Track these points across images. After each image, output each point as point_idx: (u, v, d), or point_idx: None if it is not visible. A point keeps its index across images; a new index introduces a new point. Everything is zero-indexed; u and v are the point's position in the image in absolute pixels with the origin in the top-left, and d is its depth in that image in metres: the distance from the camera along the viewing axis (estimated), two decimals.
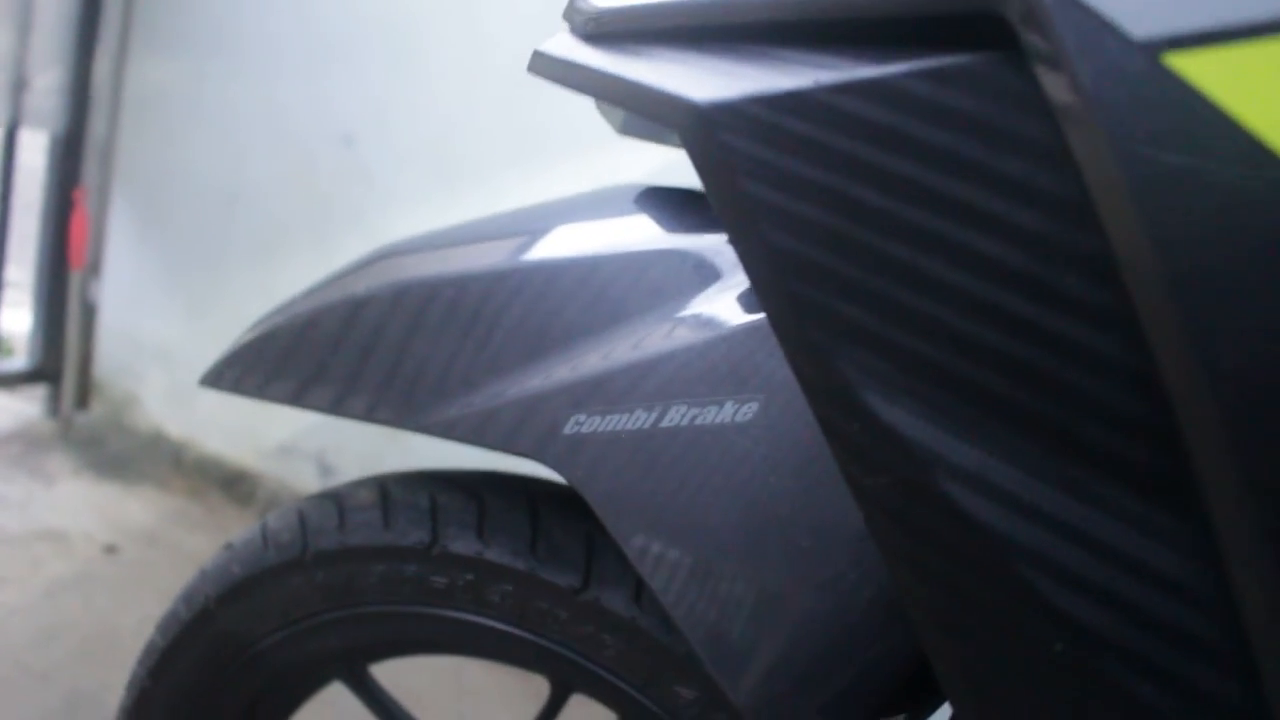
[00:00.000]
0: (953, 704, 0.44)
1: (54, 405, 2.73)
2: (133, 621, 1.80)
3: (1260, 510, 0.34)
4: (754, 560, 0.55)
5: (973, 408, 0.39)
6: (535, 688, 0.80)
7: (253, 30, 2.39)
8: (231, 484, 2.49)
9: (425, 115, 2.16)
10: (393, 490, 0.74)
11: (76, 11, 2.52)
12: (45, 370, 2.71)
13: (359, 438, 2.29)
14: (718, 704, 0.66)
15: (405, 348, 0.63)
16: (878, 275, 0.39)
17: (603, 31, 0.52)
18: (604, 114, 0.70)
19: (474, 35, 2.06)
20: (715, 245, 0.61)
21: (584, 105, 0.72)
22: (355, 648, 0.80)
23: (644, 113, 0.46)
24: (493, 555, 0.68)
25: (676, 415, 0.56)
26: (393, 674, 0.91)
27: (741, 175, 0.40)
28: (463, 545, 0.69)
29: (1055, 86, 0.35)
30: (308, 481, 2.39)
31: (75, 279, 2.65)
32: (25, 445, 2.55)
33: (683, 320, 0.58)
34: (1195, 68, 0.33)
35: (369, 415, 0.64)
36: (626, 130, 0.70)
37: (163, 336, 2.64)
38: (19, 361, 2.75)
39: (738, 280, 0.59)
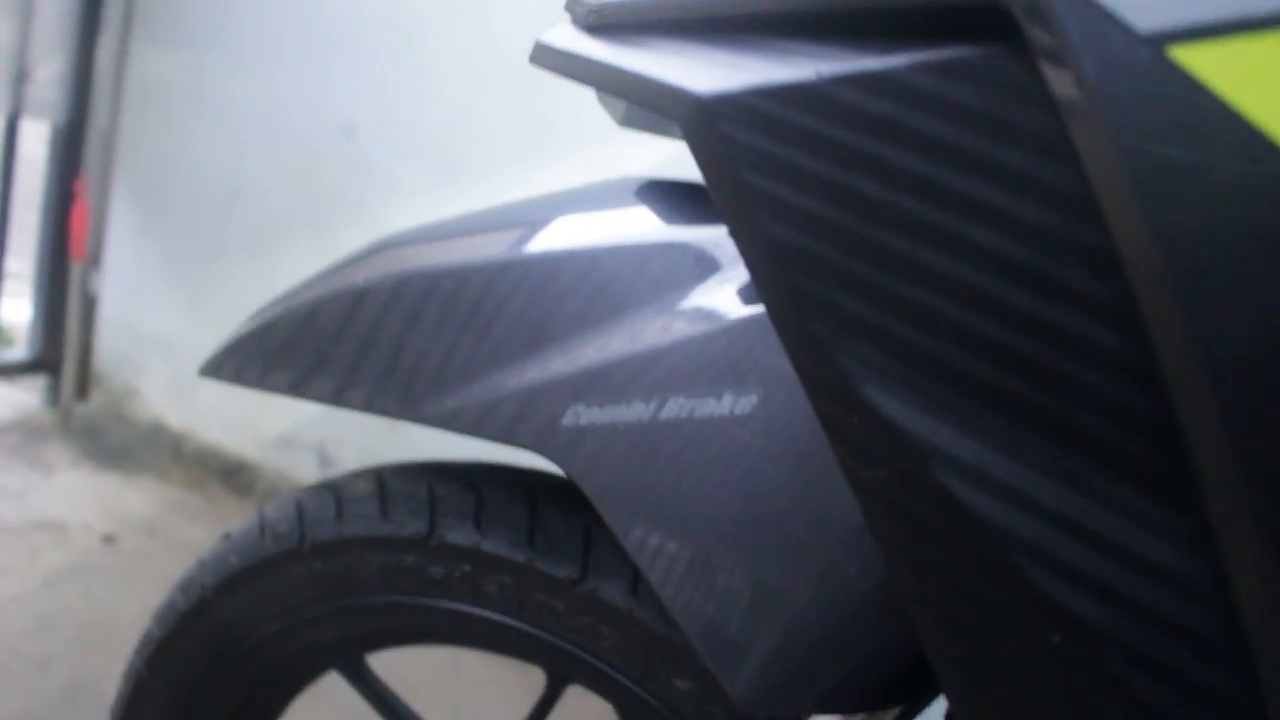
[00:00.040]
0: (948, 696, 0.44)
1: (54, 395, 2.73)
2: (131, 611, 1.80)
3: (1258, 505, 0.34)
4: (751, 553, 0.55)
5: (972, 401, 0.38)
6: (532, 679, 0.80)
7: (254, 22, 2.39)
8: (231, 475, 2.49)
9: (427, 108, 2.16)
10: (390, 481, 0.74)
11: (78, 2, 2.52)
12: (45, 360, 2.71)
13: (359, 429, 2.29)
14: (714, 696, 0.66)
15: (405, 339, 0.63)
16: (878, 268, 0.39)
17: (604, 23, 0.52)
18: (605, 106, 0.70)
19: (477, 27, 2.06)
20: (715, 238, 0.61)
21: (587, 98, 0.71)
22: (352, 638, 0.80)
23: (645, 104, 0.46)
24: (490, 546, 0.68)
25: (675, 407, 0.56)
26: (390, 664, 0.91)
27: (742, 167, 0.40)
28: (460, 536, 0.69)
29: (1058, 80, 0.35)
30: (307, 473, 2.39)
31: (76, 270, 2.65)
32: (25, 435, 2.55)
33: (682, 313, 0.57)
34: (1200, 61, 0.33)
35: (369, 406, 0.64)
36: (628, 122, 0.70)
37: (163, 328, 2.64)
38: (19, 352, 2.75)
39: (738, 273, 0.59)
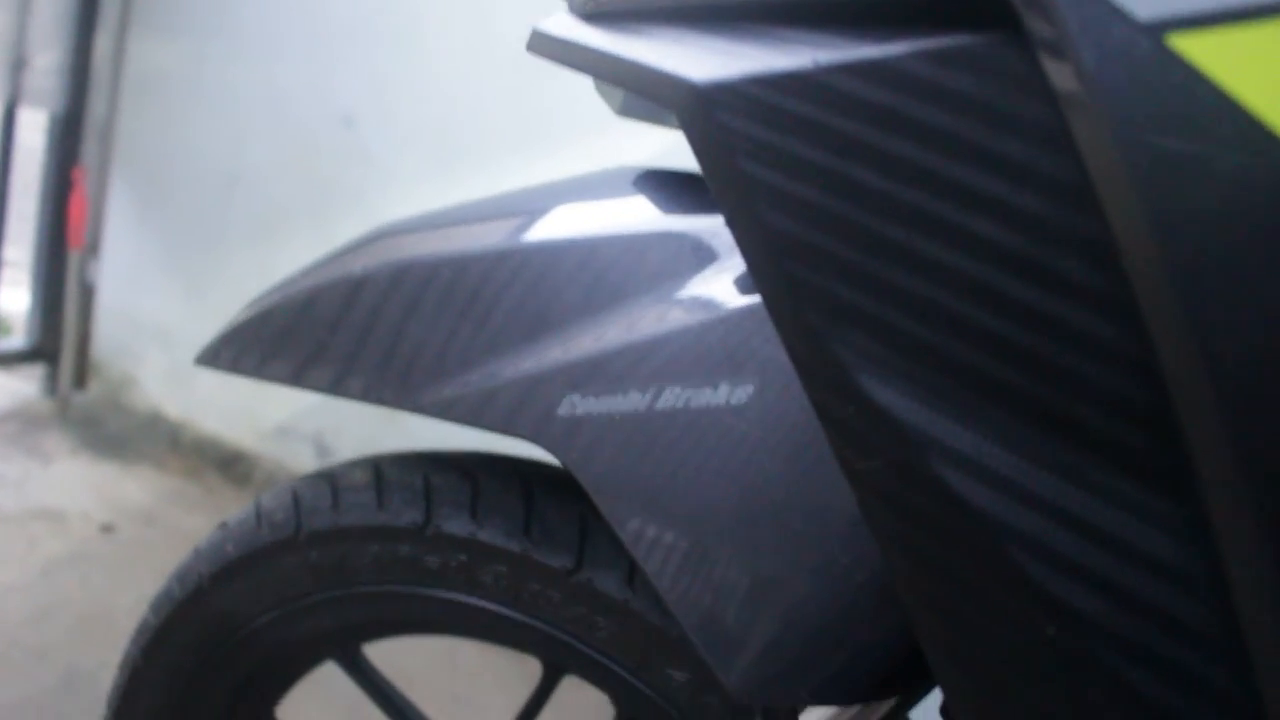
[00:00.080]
0: (943, 687, 0.44)
1: (52, 384, 2.73)
2: (129, 601, 1.81)
3: (1256, 497, 0.34)
4: (748, 544, 0.55)
5: (968, 391, 0.38)
6: (529, 669, 0.80)
7: (253, 11, 2.38)
8: (229, 464, 2.49)
9: (426, 97, 2.15)
10: (387, 471, 0.74)
11: None
12: (43, 349, 2.71)
13: (356, 419, 2.29)
14: (709, 687, 0.66)
15: (403, 328, 0.62)
16: (875, 257, 0.38)
17: (602, 10, 0.52)
18: (603, 95, 0.70)
19: (477, 17, 2.06)
20: (713, 227, 0.60)
21: (587, 87, 0.71)
22: (348, 628, 0.80)
23: (642, 92, 0.46)
24: (486, 536, 0.68)
25: (671, 397, 0.55)
26: (387, 655, 0.91)
27: (739, 156, 0.40)
28: (456, 526, 0.69)
29: (1057, 69, 0.35)
30: (305, 462, 2.39)
31: (74, 259, 2.65)
32: (23, 424, 2.54)
33: (679, 302, 0.57)
34: (1200, 50, 0.33)
35: (366, 395, 0.64)
36: (625, 111, 0.70)
37: (161, 317, 2.64)
38: (17, 340, 2.75)
39: (735, 262, 0.58)
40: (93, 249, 2.66)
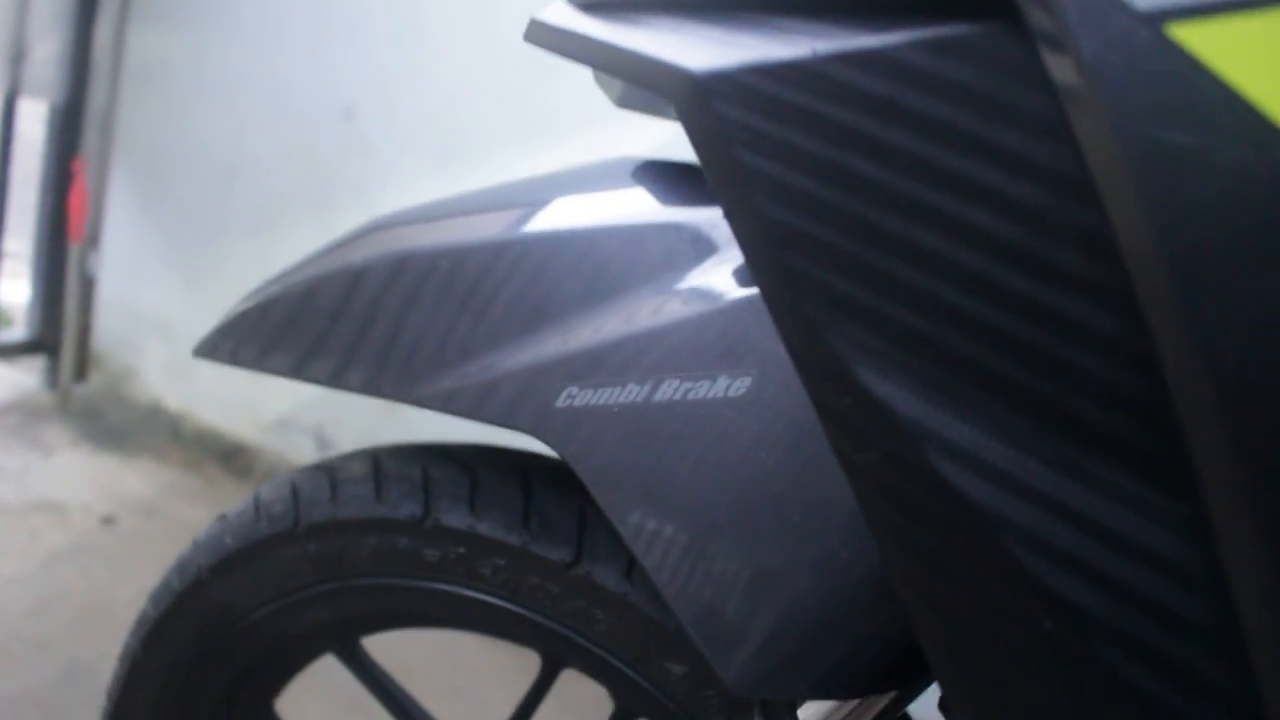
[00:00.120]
0: (941, 682, 0.44)
1: (52, 376, 2.73)
2: (130, 593, 1.81)
3: (1255, 491, 0.34)
4: (746, 537, 0.55)
5: (966, 384, 0.38)
6: (529, 662, 0.80)
7: (254, 1, 2.37)
8: (229, 457, 2.49)
9: (428, 89, 2.15)
10: (385, 463, 0.74)
11: None
12: (44, 341, 2.71)
13: (357, 412, 2.29)
14: (708, 680, 0.66)
15: (403, 320, 0.62)
16: (872, 248, 0.38)
17: (600, 0, 0.51)
18: (602, 86, 0.70)
19: (478, 8, 2.05)
20: (712, 219, 0.60)
21: (588, 79, 0.71)
22: (347, 620, 0.80)
23: (639, 82, 0.45)
24: (485, 529, 0.68)
25: (669, 389, 0.55)
26: (388, 648, 0.91)
27: (736, 146, 0.39)
28: (455, 519, 0.69)
29: (1055, 59, 0.34)
30: (305, 455, 2.39)
31: (74, 250, 2.64)
32: (24, 416, 2.55)
33: (678, 294, 0.57)
34: (1200, 40, 0.32)
35: (366, 388, 0.64)
36: (624, 103, 0.69)
37: (162, 309, 2.64)
38: (18, 332, 2.75)
39: (734, 254, 0.58)
40: (93, 241, 2.66)
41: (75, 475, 2.28)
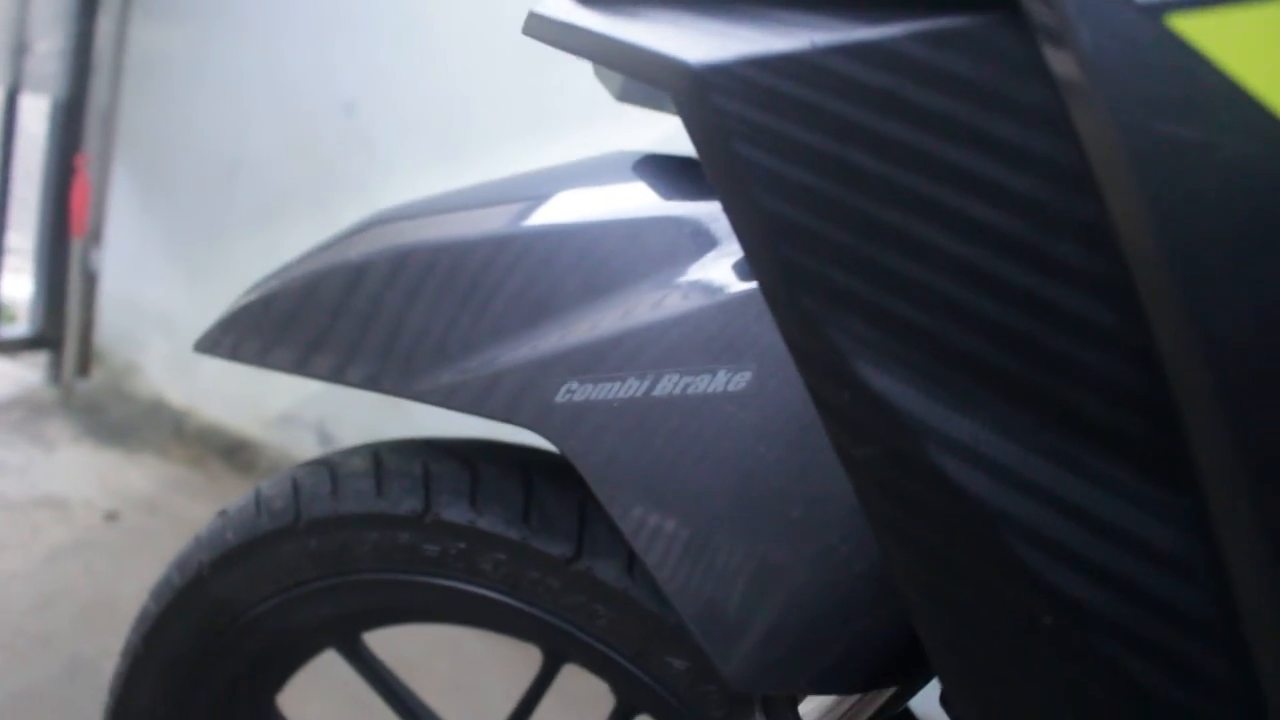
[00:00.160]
0: (940, 677, 0.44)
1: (55, 372, 2.73)
2: (133, 588, 1.81)
3: (1255, 485, 0.33)
4: (745, 532, 0.54)
5: (965, 378, 0.38)
6: (533, 657, 0.80)
7: None
8: (232, 452, 2.49)
9: (429, 84, 2.15)
10: (386, 458, 0.73)
11: None
12: (47, 337, 2.71)
13: (359, 407, 2.29)
14: (709, 675, 0.66)
15: (405, 315, 0.62)
16: (871, 241, 0.38)
17: None
18: (602, 80, 0.70)
19: (480, 2, 2.05)
20: (712, 212, 0.60)
21: (590, 75, 0.71)
22: (348, 616, 0.80)
23: (638, 75, 0.45)
24: (485, 524, 0.68)
25: (669, 384, 0.55)
26: (390, 643, 0.91)
27: (734, 139, 0.39)
28: (455, 514, 0.69)
29: (1055, 50, 0.34)
30: (308, 450, 2.39)
31: (76, 246, 2.65)
32: (26, 412, 2.55)
33: (677, 288, 0.57)
34: (1200, 31, 0.32)
35: (367, 383, 0.64)
36: (624, 97, 0.69)
37: (164, 304, 2.64)
38: (20, 328, 2.75)
39: (734, 248, 0.58)
40: (95, 236, 2.66)
41: (78, 471, 2.29)
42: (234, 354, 0.70)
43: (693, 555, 0.56)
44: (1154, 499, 0.37)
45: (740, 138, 0.39)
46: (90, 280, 2.70)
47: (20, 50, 2.45)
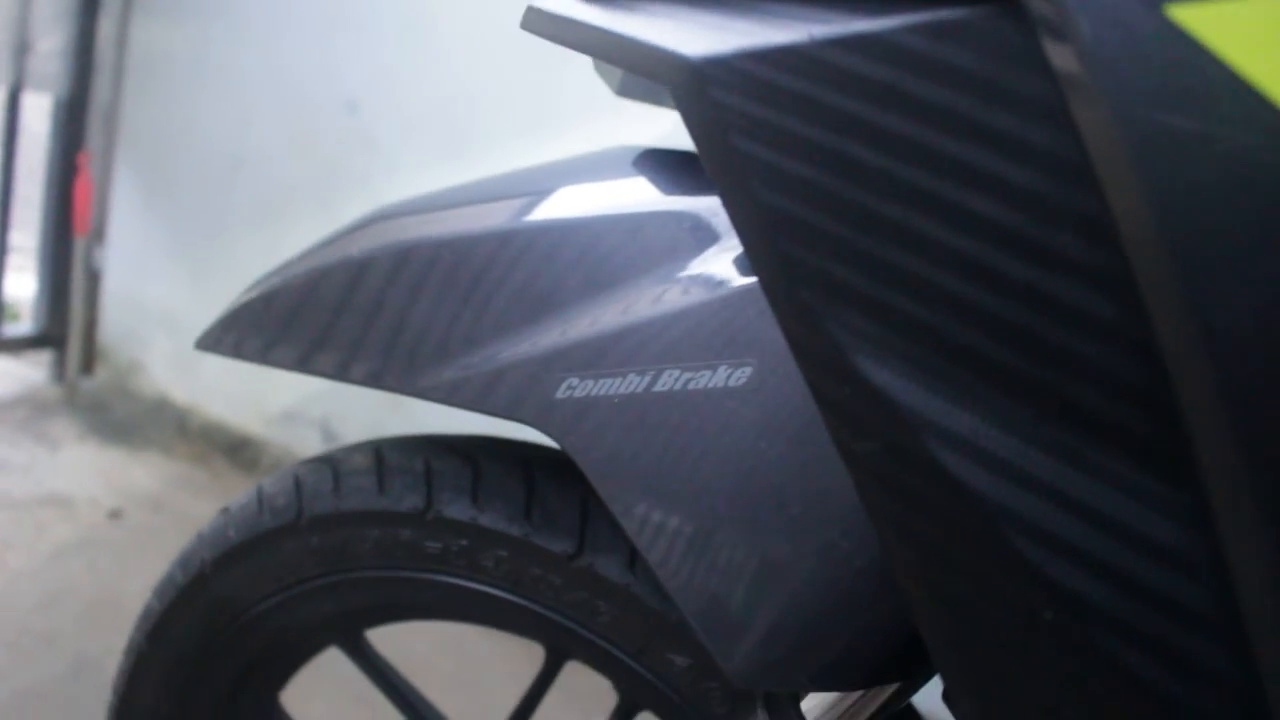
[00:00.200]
0: (941, 672, 0.44)
1: (59, 370, 2.74)
2: (137, 587, 1.81)
3: (1256, 479, 0.33)
4: (746, 529, 0.54)
5: (965, 372, 0.38)
6: (538, 656, 0.80)
7: None
8: (236, 450, 2.49)
9: (432, 81, 2.15)
10: (388, 455, 0.73)
11: None
12: (50, 335, 2.72)
13: (362, 404, 2.29)
14: (710, 672, 0.65)
15: (407, 311, 0.62)
16: (870, 235, 0.38)
17: None
18: (602, 74, 0.69)
19: None
20: (713, 207, 0.60)
21: (592, 70, 0.70)
22: (350, 613, 0.80)
23: (636, 69, 0.45)
24: (487, 521, 0.68)
25: (669, 379, 0.55)
26: (393, 640, 0.91)
27: (733, 132, 0.39)
28: (457, 510, 0.69)
29: (1054, 41, 0.34)
30: (311, 448, 2.39)
31: (80, 244, 2.65)
32: (30, 410, 2.55)
33: (678, 283, 0.57)
34: (1201, 21, 0.32)
35: (370, 380, 0.64)
36: (624, 91, 0.69)
37: (167, 302, 2.64)
38: (24, 326, 2.75)
39: (735, 242, 0.58)
40: (98, 234, 2.66)
41: (82, 469, 2.29)
42: (236, 351, 0.70)
43: (694, 552, 0.56)
44: (1155, 493, 0.36)
45: (738, 131, 0.39)
46: (93, 278, 2.71)
47: (22, 49, 2.45)
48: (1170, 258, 0.33)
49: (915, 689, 0.61)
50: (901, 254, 0.38)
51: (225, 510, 0.80)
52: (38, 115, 2.63)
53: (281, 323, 0.67)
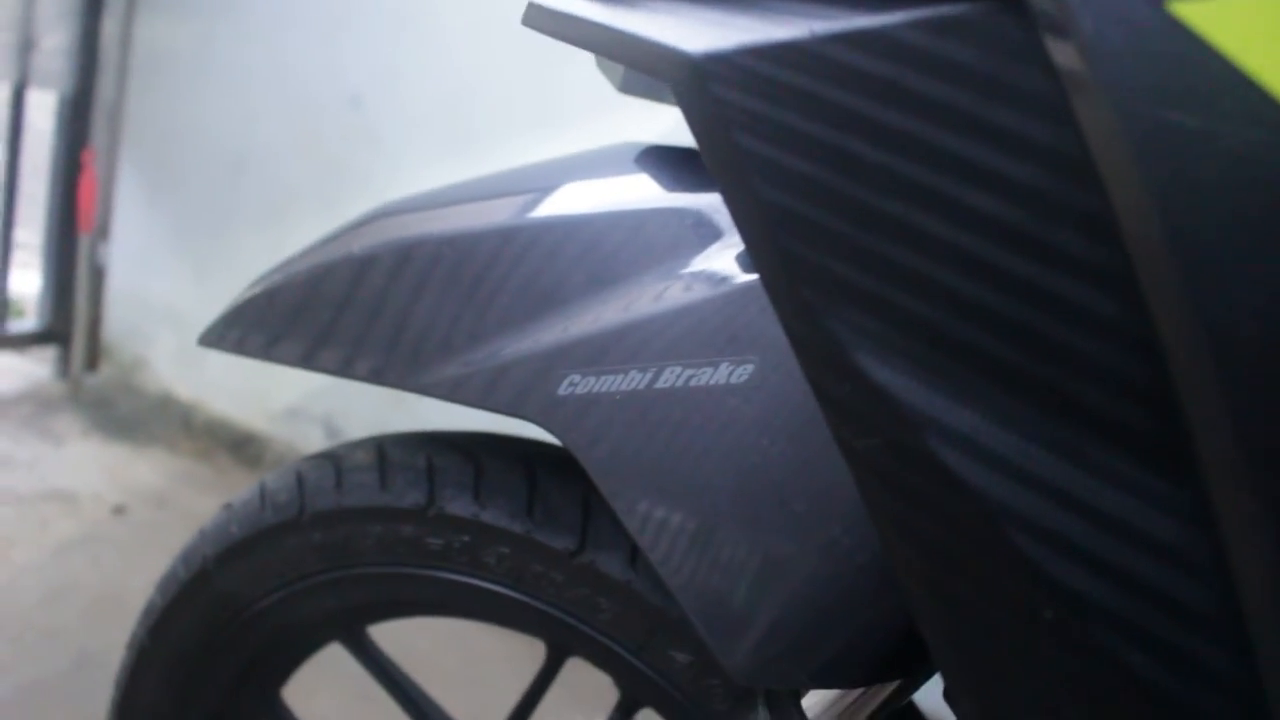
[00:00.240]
0: (941, 670, 0.44)
1: (63, 367, 2.74)
2: (141, 582, 1.80)
3: (1258, 477, 0.33)
4: (747, 526, 0.54)
5: (966, 369, 0.38)
6: (541, 653, 0.80)
7: None
8: (240, 446, 2.50)
9: (435, 77, 2.15)
10: (390, 451, 0.73)
11: None
12: (55, 332, 2.72)
13: (366, 401, 2.30)
14: (712, 669, 0.65)
15: (410, 308, 0.62)
16: (871, 232, 0.38)
17: None
18: (604, 71, 0.69)
19: None
20: (716, 203, 0.60)
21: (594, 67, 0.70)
22: (352, 609, 0.80)
23: (637, 66, 0.45)
24: (489, 517, 0.68)
25: (671, 376, 0.55)
26: (396, 636, 0.91)
27: (734, 128, 0.39)
28: (459, 507, 0.69)
29: (1055, 37, 0.34)
30: (315, 444, 2.39)
31: (84, 241, 2.65)
32: (35, 406, 2.56)
33: (680, 280, 0.57)
34: (1203, 16, 0.32)
35: (373, 377, 0.64)
36: (626, 88, 0.69)
37: (171, 299, 2.65)
38: (29, 323, 2.76)
39: (738, 238, 0.58)
40: (103, 231, 2.67)
41: (86, 465, 2.29)
42: (239, 348, 0.70)
43: (695, 548, 0.55)
44: (1155, 491, 0.36)
45: (739, 127, 0.39)
46: (98, 275, 2.71)
47: (27, 46, 2.45)
48: (1172, 255, 0.33)
49: (916, 687, 0.61)
50: (902, 250, 0.37)
51: (228, 506, 0.80)
52: (42, 112, 2.64)
53: (285, 319, 0.67)
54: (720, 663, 0.56)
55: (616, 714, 0.78)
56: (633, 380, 0.56)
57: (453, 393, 0.61)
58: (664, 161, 0.67)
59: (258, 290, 0.70)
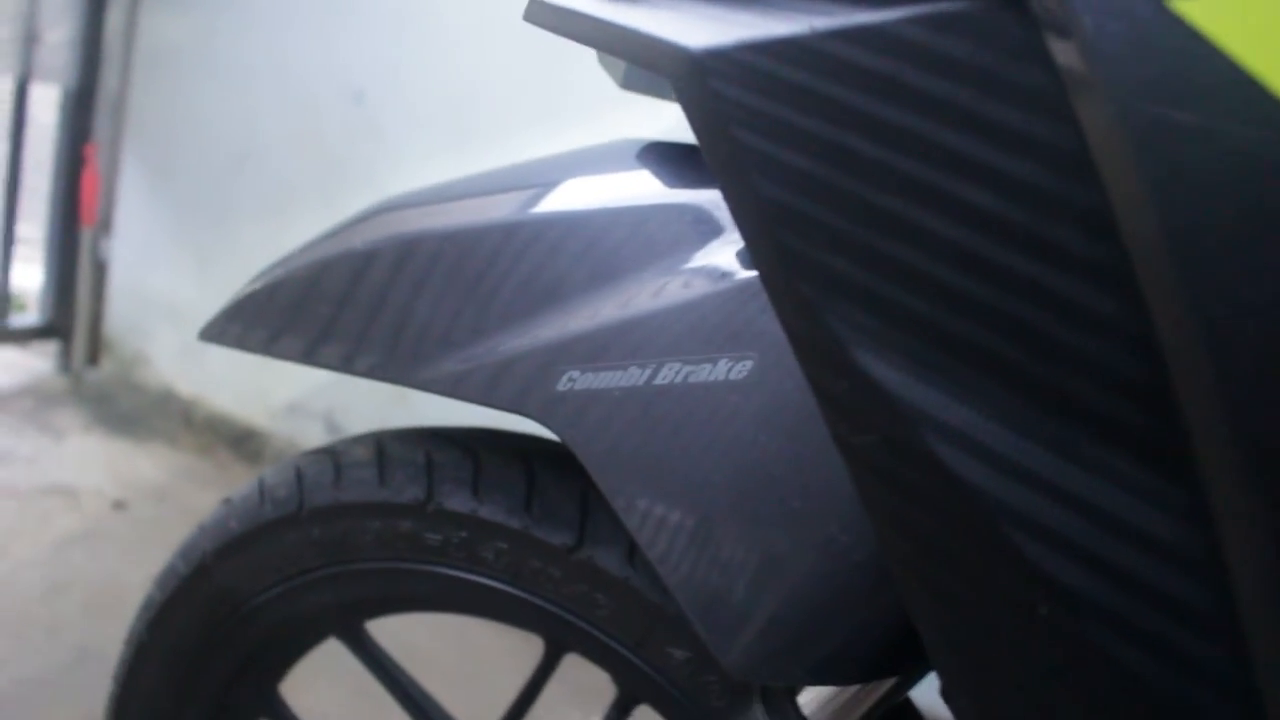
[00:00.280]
0: (936, 667, 0.44)
1: (65, 361, 2.74)
2: (141, 577, 1.80)
3: (1255, 474, 0.33)
4: (745, 522, 0.54)
5: (963, 365, 0.38)
6: (537, 647, 0.80)
7: None
8: (240, 442, 2.50)
9: (438, 73, 2.15)
10: (389, 447, 0.73)
11: None
12: (56, 326, 2.72)
13: (366, 397, 2.30)
14: (709, 665, 0.65)
15: (412, 304, 0.62)
16: (870, 228, 0.38)
17: None
18: (606, 67, 0.69)
19: None
20: (716, 199, 0.60)
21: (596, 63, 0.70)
22: (350, 604, 0.80)
23: (638, 61, 0.45)
24: (487, 513, 0.68)
25: (670, 373, 0.55)
26: (394, 632, 0.91)
27: (733, 124, 0.39)
28: (458, 502, 0.69)
29: (1055, 34, 0.34)
30: (316, 440, 2.39)
31: (86, 235, 2.66)
32: (36, 401, 2.56)
33: (680, 276, 0.57)
34: (1204, 13, 0.32)
35: (374, 373, 0.63)
36: (628, 84, 0.69)
37: (173, 294, 2.65)
38: (30, 317, 2.76)
39: (738, 235, 0.58)
40: (105, 226, 2.67)
41: (87, 460, 2.29)
42: (239, 343, 0.70)
43: (694, 545, 0.55)
44: (1152, 488, 0.36)
45: (739, 123, 0.39)
46: (100, 269, 2.71)
47: (31, 40, 2.46)
48: (1170, 252, 0.33)
49: (912, 684, 0.61)
50: (901, 247, 0.37)
51: (227, 501, 0.80)
52: (45, 107, 2.64)
53: (285, 314, 0.67)
54: (717, 659, 0.56)
55: (614, 710, 0.78)
56: (632, 376, 0.55)
57: (453, 389, 0.61)
58: (665, 158, 0.66)
59: (259, 285, 0.70)
